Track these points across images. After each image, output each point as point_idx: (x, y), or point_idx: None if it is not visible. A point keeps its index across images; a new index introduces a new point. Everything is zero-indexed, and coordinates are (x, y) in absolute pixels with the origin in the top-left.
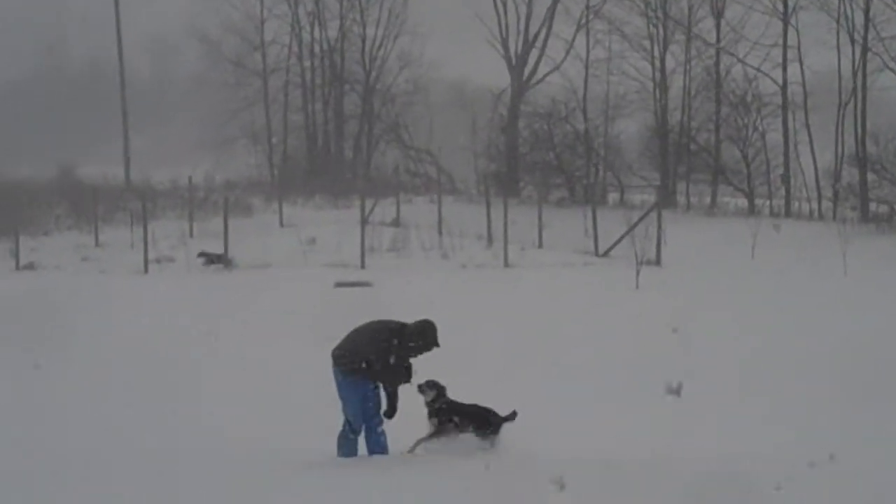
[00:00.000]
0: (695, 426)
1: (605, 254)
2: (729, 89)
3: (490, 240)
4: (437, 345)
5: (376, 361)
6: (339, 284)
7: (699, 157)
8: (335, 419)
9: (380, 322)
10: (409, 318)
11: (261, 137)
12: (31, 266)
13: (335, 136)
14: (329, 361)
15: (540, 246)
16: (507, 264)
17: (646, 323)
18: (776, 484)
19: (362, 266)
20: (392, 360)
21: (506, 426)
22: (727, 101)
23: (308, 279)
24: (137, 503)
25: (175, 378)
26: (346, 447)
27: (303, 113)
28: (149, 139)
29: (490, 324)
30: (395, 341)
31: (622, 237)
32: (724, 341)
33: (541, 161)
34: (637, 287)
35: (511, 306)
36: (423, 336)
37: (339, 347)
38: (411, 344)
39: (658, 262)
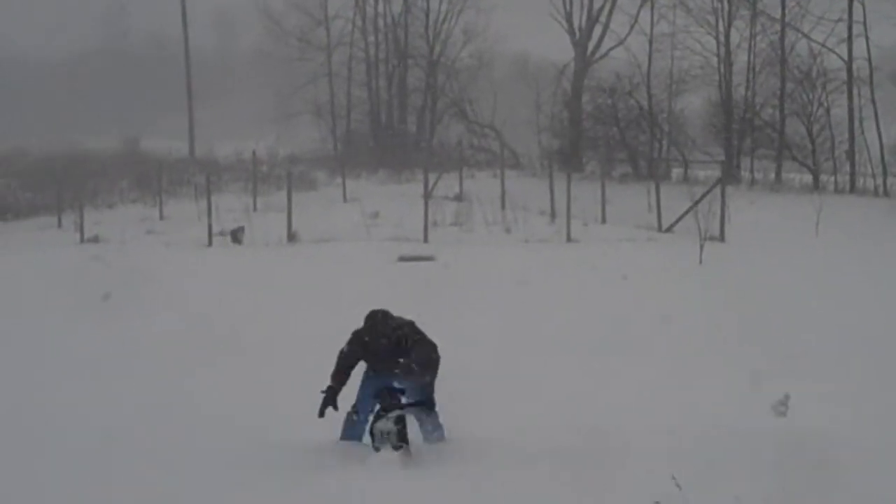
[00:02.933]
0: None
1: (669, 229)
2: (794, 65)
3: (553, 215)
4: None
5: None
6: (402, 258)
7: (763, 132)
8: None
9: (393, 319)
10: (475, 293)
11: (324, 112)
12: (95, 239)
13: (398, 111)
14: None
15: (603, 221)
16: (569, 239)
17: (711, 299)
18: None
19: (425, 240)
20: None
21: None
22: (792, 76)
23: (371, 253)
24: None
25: (237, 351)
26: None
27: (366, 88)
28: (212, 113)
29: (553, 299)
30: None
31: (686, 213)
32: (794, 318)
33: (604, 136)
34: (701, 263)
35: (574, 282)
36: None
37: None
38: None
39: (722, 238)
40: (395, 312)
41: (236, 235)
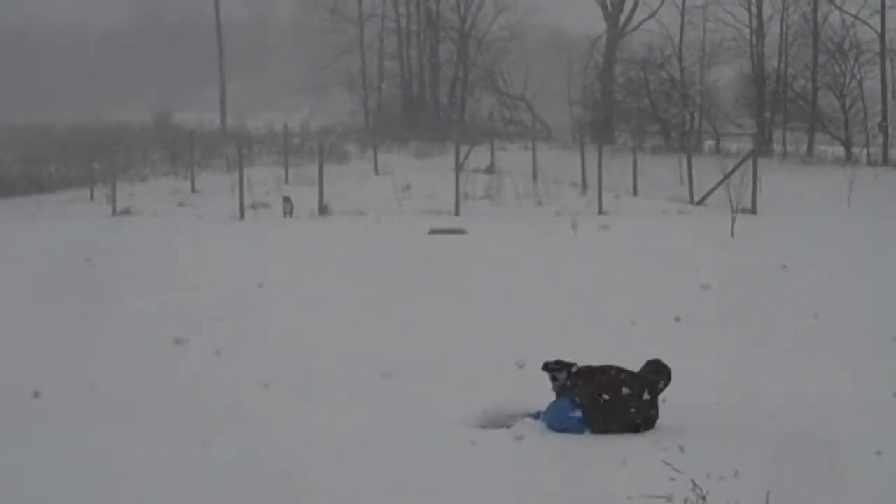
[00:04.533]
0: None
1: (701, 202)
2: (826, 36)
3: (584, 187)
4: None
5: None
6: (434, 231)
7: (795, 104)
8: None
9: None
10: (504, 266)
11: (356, 84)
12: (127, 211)
13: (430, 83)
14: None
15: (635, 194)
16: (601, 212)
17: (743, 269)
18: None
19: (456, 213)
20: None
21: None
22: (824, 48)
23: (403, 226)
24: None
25: (266, 325)
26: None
27: (398, 60)
28: (244, 85)
29: (585, 272)
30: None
31: (717, 185)
32: (828, 289)
33: (636, 108)
34: (732, 235)
35: (606, 254)
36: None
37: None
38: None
39: (754, 210)
40: (426, 286)
41: (287, 206)
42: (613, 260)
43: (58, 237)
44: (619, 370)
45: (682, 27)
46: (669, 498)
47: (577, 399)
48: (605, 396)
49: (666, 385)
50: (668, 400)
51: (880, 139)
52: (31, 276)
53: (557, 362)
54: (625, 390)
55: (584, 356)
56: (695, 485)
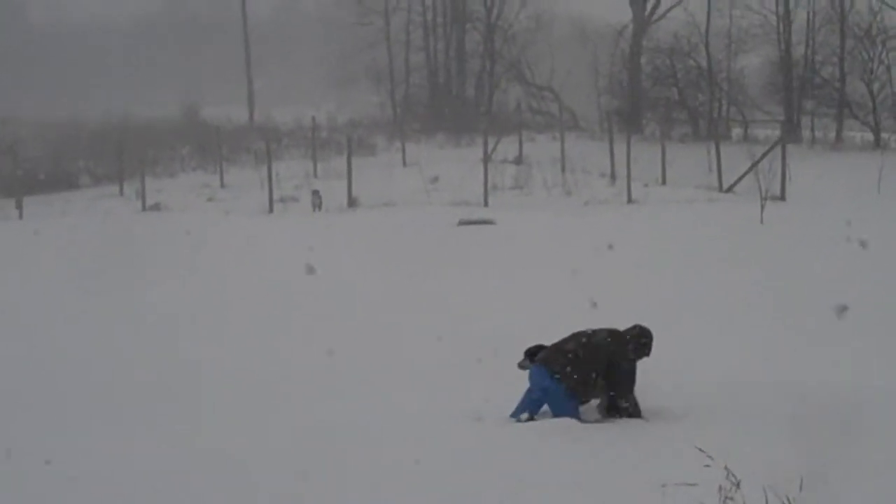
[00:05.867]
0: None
1: (729, 189)
2: (853, 22)
3: (613, 177)
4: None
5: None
6: (463, 222)
7: (824, 90)
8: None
9: (594, 332)
10: (535, 255)
11: (383, 77)
12: (156, 207)
13: (457, 75)
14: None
15: (663, 182)
16: (630, 201)
17: (773, 258)
18: None
19: (485, 204)
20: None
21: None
22: (852, 33)
23: (431, 217)
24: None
25: (298, 315)
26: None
27: (424, 52)
28: (271, 79)
29: (617, 261)
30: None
31: (746, 172)
32: (857, 275)
33: (663, 97)
34: (762, 222)
35: (637, 243)
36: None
37: (557, 363)
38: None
39: (783, 197)
40: (456, 277)
41: (316, 199)
42: (643, 247)
43: (92, 231)
44: (585, 333)
45: (708, 15)
46: (702, 485)
47: (555, 370)
48: (570, 354)
49: (639, 346)
50: (702, 384)
51: None
52: (69, 266)
53: (538, 346)
54: (583, 340)
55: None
56: (728, 472)
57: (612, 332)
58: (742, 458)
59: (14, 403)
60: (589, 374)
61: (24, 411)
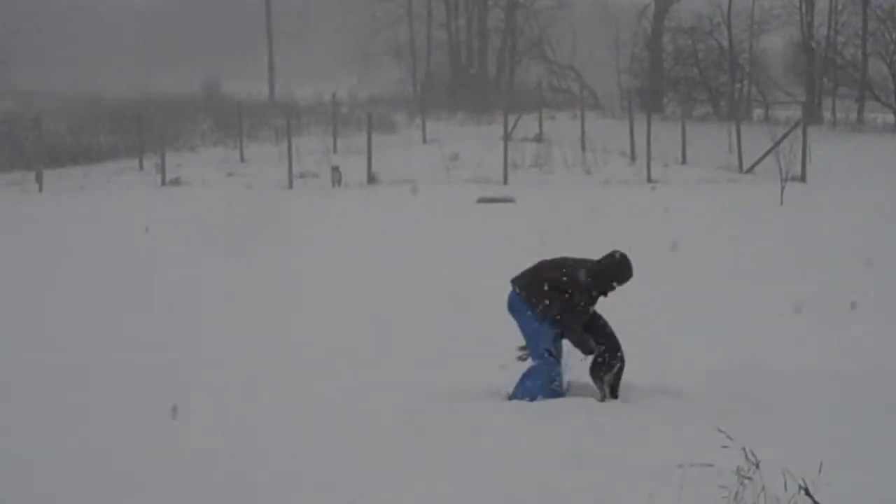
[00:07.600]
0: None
1: (750, 170)
2: (876, 3)
3: (633, 156)
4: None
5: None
6: (482, 200)
7: (845, 72)
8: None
9: (565, 259)
10: (553, 234)
11: (404, 53)
12: (176, 181)
13: (478, 52)
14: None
15: (683, 162)
16: (650, 180)
17: (793, 239)
18: None
19: (505, 182)
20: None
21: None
22: (874, 15)
23: (451, 195)
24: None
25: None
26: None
27: (446, 29)
28: (292, 55)
29: (636, 240)
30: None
31: (767, 153)
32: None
33: (685, 77)
34: (782, 204)
35: (655, 223)
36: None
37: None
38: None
39: (803, 178)
40: (473, 254)
41: (335, 175)
42: (664, 228)
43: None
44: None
45: None
46: (719, 466)
47: (533, 301)
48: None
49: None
50: (718, 368)
51: None
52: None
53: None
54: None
55: (638, 328)
56: (747, 453)
57: (580, 261)
58: (760, 443)
59: None
60: (542, 286)
61: None
